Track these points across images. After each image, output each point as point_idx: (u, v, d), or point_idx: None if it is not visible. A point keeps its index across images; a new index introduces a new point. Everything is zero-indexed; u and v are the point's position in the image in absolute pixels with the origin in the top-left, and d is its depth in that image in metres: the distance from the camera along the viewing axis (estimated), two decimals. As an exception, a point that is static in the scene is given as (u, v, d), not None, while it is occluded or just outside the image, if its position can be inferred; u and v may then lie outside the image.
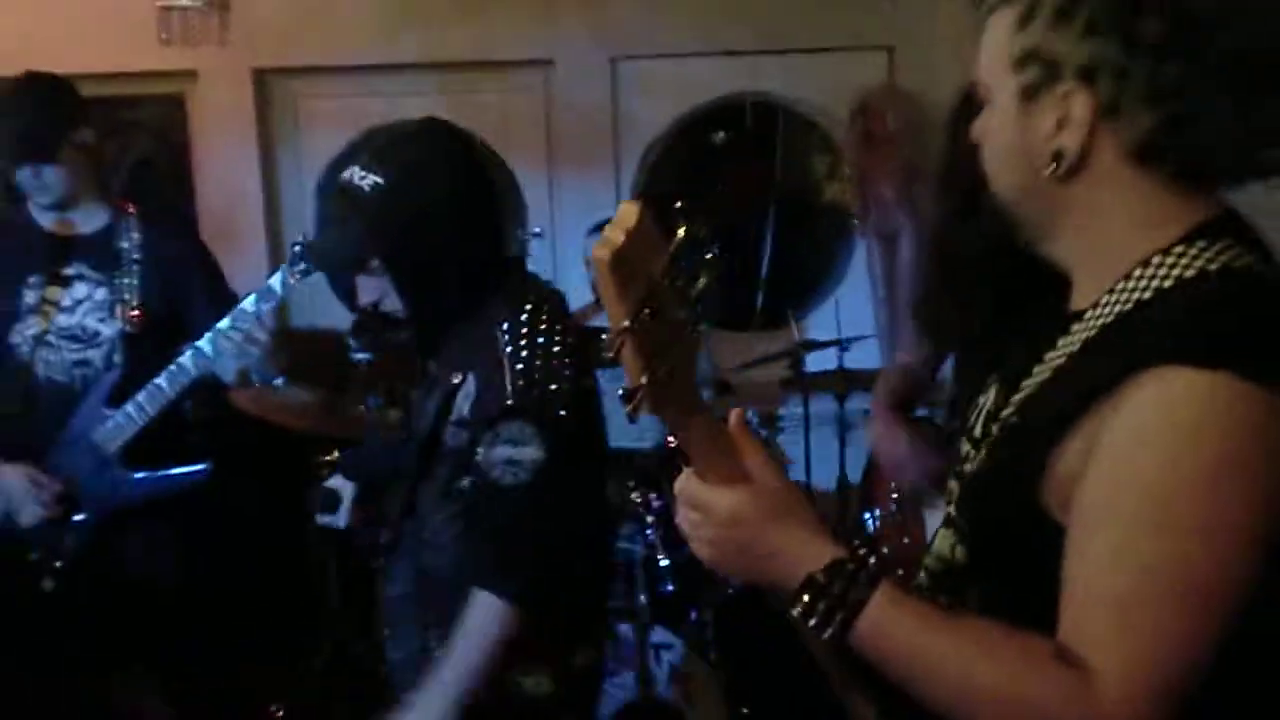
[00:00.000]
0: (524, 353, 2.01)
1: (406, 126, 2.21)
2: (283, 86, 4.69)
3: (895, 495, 2.83)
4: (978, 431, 1.31)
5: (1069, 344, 1.20)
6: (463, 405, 2.04)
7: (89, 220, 3.00)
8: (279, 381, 3.05)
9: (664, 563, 3.68)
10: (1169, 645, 1.04)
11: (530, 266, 4.77)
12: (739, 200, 5.09)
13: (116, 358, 2.93)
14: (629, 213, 1.05)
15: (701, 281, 1.11)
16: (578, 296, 4.60)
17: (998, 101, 1.23)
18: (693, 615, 3.69)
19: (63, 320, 2.93)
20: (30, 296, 2.92)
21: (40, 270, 2.94)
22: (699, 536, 1.20)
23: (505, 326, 2.03)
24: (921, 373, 2.62)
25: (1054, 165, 1.17)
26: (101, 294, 2.94)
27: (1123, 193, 1.18)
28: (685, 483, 1.20)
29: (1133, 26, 1.13)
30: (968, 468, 1.30)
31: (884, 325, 4.43)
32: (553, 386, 2.01)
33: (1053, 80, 1.16)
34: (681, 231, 1.07)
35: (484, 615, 1.96)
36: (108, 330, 2.94)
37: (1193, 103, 1.14)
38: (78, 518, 2.90)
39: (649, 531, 3.69)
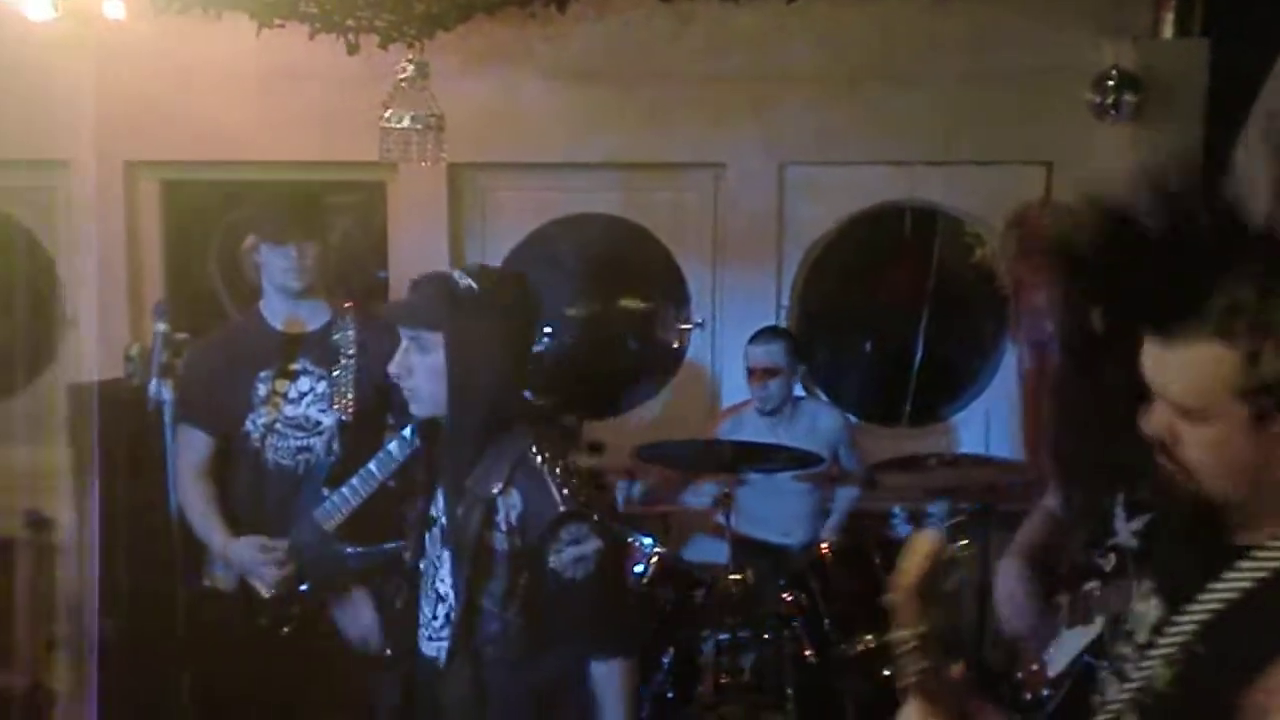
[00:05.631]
0: (558, 468, 2.40)
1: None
2: (473, 179, 5.09)
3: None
4: (1140, 637, 1.46)
5: (1240, 579, 1.35)
6: (509, 515, 2.37)
7: (314, 317, 3.37)
8: None
9: (811, 659, 3.82)
10: None
11: (690, 355, 5.12)
12: (894, 301, 5.28)
13: (335, 444, 3.27)
14: (929, 540, 1.38)
15: (955, 578, 1.44)
16: (732, 386, 4.87)
17: (1217, 422, 1.33)
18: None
19: (289, 410, 3.29)
20: (262, 389, 3.29)
21: (271, 366, 3.30)
22: None
23: (534, 448, 2.41)
24: (1063, 518, 2.69)
25: None
26: (322, 387, 3.30)
27: None
28: None
29: None
30: (1135, 672, 1.44)
31: (1029, 432, 4.55)
32: (585, 488, 2.42)
33: None
34: (959, 546, 1.39)
35: (617, 680, 2.41)
36: (327, 420, 3.28)
37: None
38: (303, 587, 3.22)
39: (796, 628, 3.84)
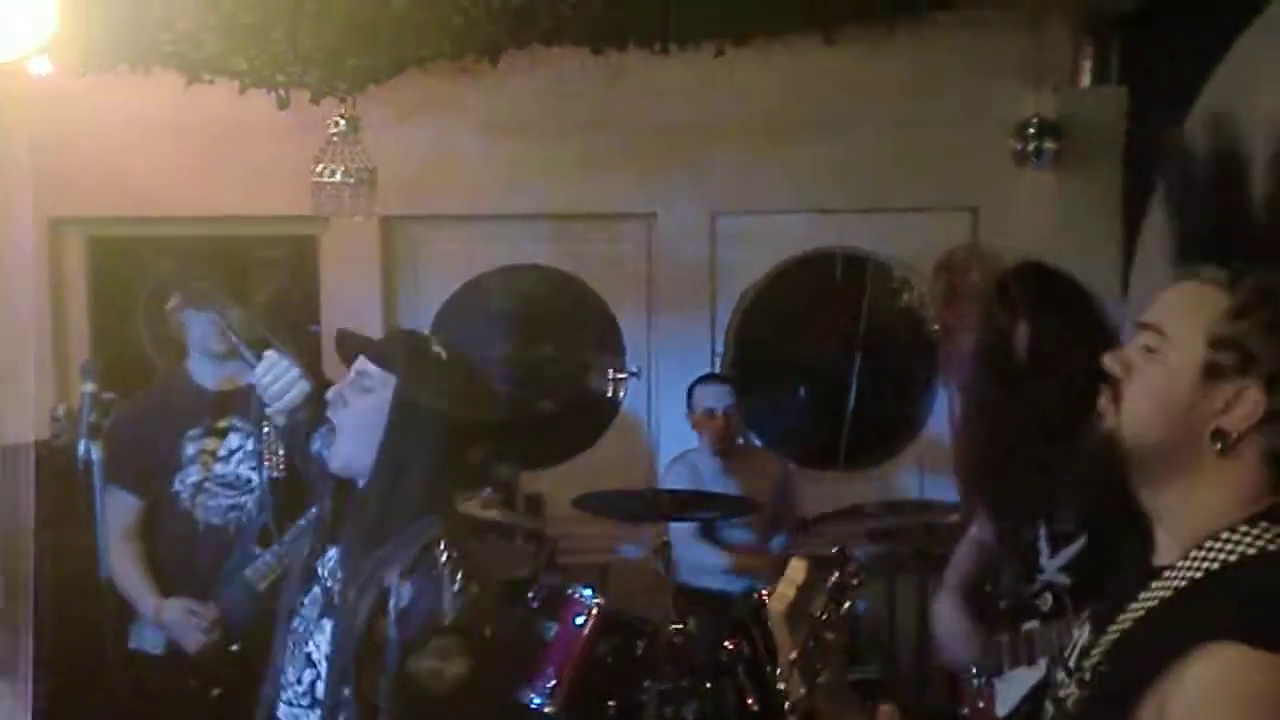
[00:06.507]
0: (459, 572, 2.18)
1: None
2: (406, 231, 5.08)
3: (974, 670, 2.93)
4: (1071, 663, 1.47)
5: (1148, 599, 1.36)
6: (398, 603, 2.17)
7: (242, 374, 3.31)
8: None
9: (754, 708, 3.81)
10: None
11: (626, 404, 5.11)
12: (826, 346, 5.33)
13: (266, 502, 3.21)
14: (799, 569, 1.36)
15: (848, 605, 1.41)
16: (670, 434, 4.88)
17: (1171, 357, 1.34)
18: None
19: (219, 469, 3.24)
20: (190, 449, 3.23)
21: (199, 424, 3.25)
22: None
23: (442, 544, 2.20)
24: (993, 548, 2.72)
25: (1216, 442, 1.32)
26: (252, 444, 3.24)
27: (1238, 475, 1.33)
28: None
29: None
30: (1062, 694, 1.46)
31: (961, 471, 4.61)
32: (481, 606, 2.20)
33: (1241, 372, 1.30)
34: (835, 575, 1.38)
35: None
36: (258, 477, 3.22)
37: None
38: (233, 648, 3.14)
39: (739, 676, 3.82)
